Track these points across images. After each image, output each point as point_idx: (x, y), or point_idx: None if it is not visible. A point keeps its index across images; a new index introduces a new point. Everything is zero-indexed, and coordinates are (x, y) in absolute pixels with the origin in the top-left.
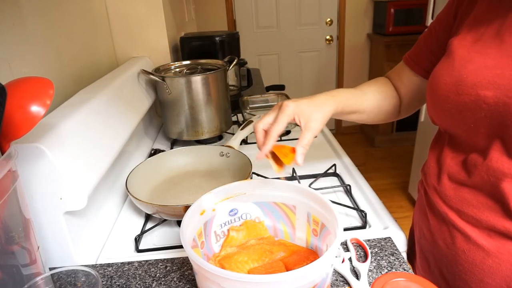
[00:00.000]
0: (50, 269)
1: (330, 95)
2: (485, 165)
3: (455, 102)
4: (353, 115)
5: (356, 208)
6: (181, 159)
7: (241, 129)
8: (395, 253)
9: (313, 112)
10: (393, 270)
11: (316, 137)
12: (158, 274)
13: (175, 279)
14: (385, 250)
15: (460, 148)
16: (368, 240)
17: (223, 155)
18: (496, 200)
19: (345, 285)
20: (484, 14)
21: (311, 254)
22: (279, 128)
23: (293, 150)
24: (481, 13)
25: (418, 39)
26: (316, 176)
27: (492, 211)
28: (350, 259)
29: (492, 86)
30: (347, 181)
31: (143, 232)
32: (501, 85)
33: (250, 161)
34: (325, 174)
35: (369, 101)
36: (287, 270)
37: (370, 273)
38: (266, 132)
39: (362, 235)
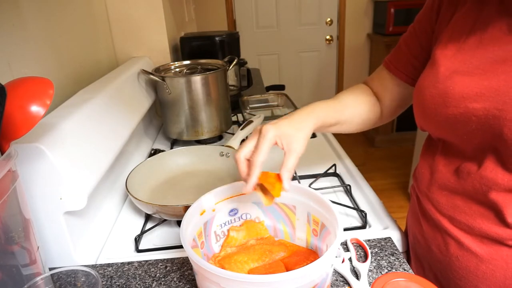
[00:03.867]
0: (50, 269)
1: (309, 111)
2: (479, 174)
3: (444, 115)
4: (333, 127)
5: (356, 208)
6: (181, 159)
7: (241, 129)
8: (395, 253)
9: (295, 133)
10: (393, 270)
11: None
12: (158, 274)
13: (175, 279)
14: (385, 250)
15: (454, 156)
16: (368, 240)
17: (223, 155)
18: (488, 207)
19: (345, 285)
20: (463, 22)
21: (311, 254)
22: (262, 156)
23: (278, 177)
24: (461, 21)
25: (398, 42)
26: (316, 176)
27: (484, 218)
28: (350, 259)
29: (480, 98)
30: (347, 181)
31: (143, 232)
32: (489, 97)
33: None
34: (325, 174)
35: (348, 112)
36: (287, 270)
37: (370, 273)
38: (249, 162)
39: (362, 235)
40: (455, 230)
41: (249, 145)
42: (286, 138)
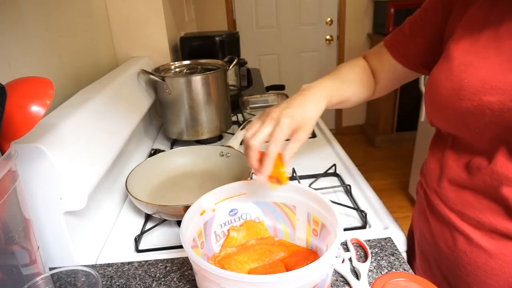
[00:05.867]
0: (50, 269)
1: (320, 93)
2: (490, 169)
3: (457, 108)
4: (335, 106)
5: (356, 208)
6: (181, 159)
7: (241, 129)
8: (395, 253)
9: (305, 122)
10: (393, 270)
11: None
12: (158, 274)
13: (175, 279)
14: (385, 250)
15: (464, 151)
16: (368, 240)
17: (223, 155)
18: (498, 202)
19: (345, 285)
20: (478, 16)
21: (311, 254)
22: (278, 147)
23: (279, 161)
24: (475, 15)
25: (402, 24)
26: (316, 176)
27: (494, 213)
28: (350, 259)
29: (496, 91)
30: (347, 181)
31: (143, 232)
32: (505, 90)
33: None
34: (325, 174)
35: (350, 91)
36: (287, 270)
37: (370, 273)
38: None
39: (362, 235)
40: (464, 226)
41: (264, 132)
42: (297, 128)
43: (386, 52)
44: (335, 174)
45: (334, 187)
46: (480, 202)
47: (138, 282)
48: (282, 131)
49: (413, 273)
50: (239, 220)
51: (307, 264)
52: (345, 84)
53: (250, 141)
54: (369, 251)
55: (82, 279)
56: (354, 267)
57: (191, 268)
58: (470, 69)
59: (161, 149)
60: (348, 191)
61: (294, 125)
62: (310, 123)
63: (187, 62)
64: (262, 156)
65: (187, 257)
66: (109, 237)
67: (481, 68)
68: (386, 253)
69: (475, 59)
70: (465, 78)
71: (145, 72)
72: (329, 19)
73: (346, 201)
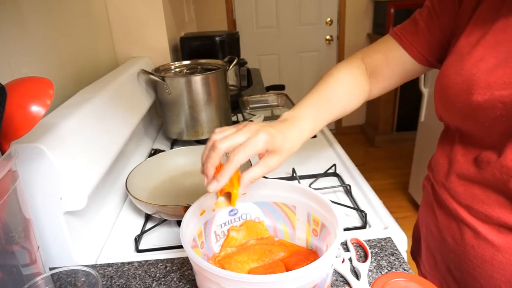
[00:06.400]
0: (50, 269)
1: (303, 127)
2: (499, 163)
3: (468, 102)
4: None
5: (356, 208)
6: (181, 159)
7: None
8: (395, 253)
9: (281, 153)
10: (393, 270)
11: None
12: (158, 274)
13: (175, 279)
14: (385, 250)
15: (472, 146)
16: (368, 240)
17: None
18: (507, 196)
19: (345, 285)
20: (488, 11)
21: (311, 254)
22: (245, 158)
23: (238, 179)
24: (485, 10)
25: (413, 17)
26: (316, 176)
27: (503, 207)
28: (350, 259)
29: (508, 85)
30: (347, 181)
31: (143, 232)
32: None
33: (250, 161)
34: (325, 174)
35: (338, 108)
36: (287, 270)
37: (370, 273)
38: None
39: (362, 235)
40: (472, 219)
41: (237, 139)
42: (271, 152)
43: (395, 46)
44: (335, 174)
45: (334, 187)
46: (489, 196)
47: (138, 282)
48: (256, 144)
49: (414, 272)
50: (239, 220)
51: (307, 264)
52: (333, 102)
53: (217, 143)
54: (369, 251)
55: (82, 279)
56: (354, 267)
57: (191, 268)
58: (481, 63)
59: (161, 149)
60: (348, 191)
61: (271, 145)
62: (286, 152)
63: (187, 62)
64: (221, 167)
65: (187, 257)
66: (109, 237)
67: (492, 62)
68: (386, 253)
69: (485, 54)
70: (476, 73)
71: (145, 72)
72: (329, 19)
73: (346, 201)
